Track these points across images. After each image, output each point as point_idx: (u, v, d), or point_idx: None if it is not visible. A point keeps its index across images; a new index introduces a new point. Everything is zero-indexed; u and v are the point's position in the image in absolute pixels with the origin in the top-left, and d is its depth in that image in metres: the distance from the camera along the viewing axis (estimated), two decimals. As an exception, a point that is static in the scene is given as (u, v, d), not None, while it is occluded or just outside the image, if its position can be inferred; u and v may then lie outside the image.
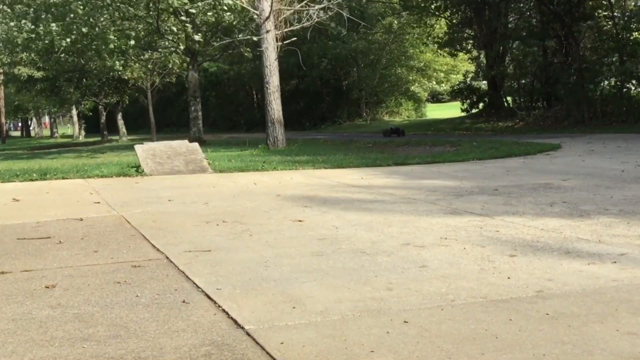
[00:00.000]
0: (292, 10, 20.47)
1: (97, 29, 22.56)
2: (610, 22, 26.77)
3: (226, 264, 5.20)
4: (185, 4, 22.40)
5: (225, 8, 22.01)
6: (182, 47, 25.20)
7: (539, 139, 19.28)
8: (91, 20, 22.10)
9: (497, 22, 30.79)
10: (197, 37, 24.06)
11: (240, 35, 23.59)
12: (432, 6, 32.57)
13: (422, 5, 32.58)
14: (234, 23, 23.09)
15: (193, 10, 23.25)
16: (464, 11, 31.95)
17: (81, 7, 21.66)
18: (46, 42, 23.58)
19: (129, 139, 38.31)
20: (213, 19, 23.91)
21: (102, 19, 22.28)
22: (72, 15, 21.77)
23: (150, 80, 31.83)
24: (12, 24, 22.86)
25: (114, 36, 23.54)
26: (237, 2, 21.29)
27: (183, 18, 23.48)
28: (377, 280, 4.58)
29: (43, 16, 22.42)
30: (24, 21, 22.64)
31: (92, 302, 4.29)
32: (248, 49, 27.39)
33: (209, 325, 3.76)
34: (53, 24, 22.00)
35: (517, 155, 14.25)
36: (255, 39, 21.58)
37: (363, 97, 41.49)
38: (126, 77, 32.51)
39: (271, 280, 4.67)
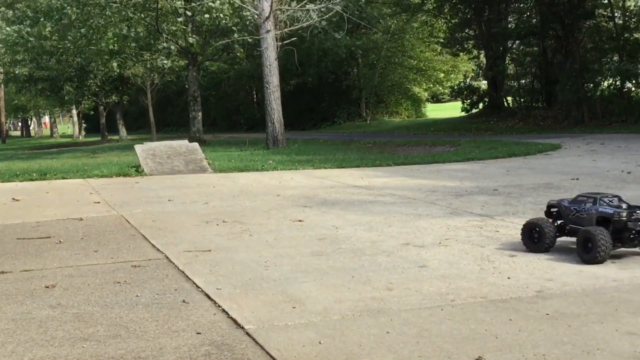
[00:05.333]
0: (292, 10, 20.45)
1: (95, 30, 22.57)
2: (610, 22, 26.76)
3: (226, 263, 5.20)
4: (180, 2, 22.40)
5: (214, 10, 21.96)
6: (181, 43, 25.16)
7: (539, 139, 19.27)
8: (90, 20, 22.10)
9: (497, 22, 30.77)
10: (191, 40, 24.04)
11: (241, 35, 23.54)
12: (432, 6, 32.53)
13: (422, 5, 32.54)
14: (231, 25, 23.02)
15: (189, 13, 23.24)
16: (464, 11, 31.93)
17: (78, 11, 21.67)
18: (36, 44, 23.67)
19: (129, 138, 38.27)
20: (208, 22, 23.90)
21: (100, 20, 22.26)
22: (71, 18, 21.77)
23: (150, 80, 31.78)
24: (9, 29, 22.89)
25: (113, 36, 23.53)
26: (225, 4, 21.24)
27: (180, 19, 23.46)
28: (377, 280, 4.58)
29: (42, 19, 22.44)
30: (23, 24, 22.66)
31: (92, 302, 4.29)
32: (241, 49, 27.28)
33: (209, 325, 3.76)
34: (47, 26, 22.02)
35: (517, 155, 14.25)
36: (250, 39, 21.53)
37: (363, 96, 41.45)
38: (128, 75, 32.47)
39: (271, 280, 4.67)
